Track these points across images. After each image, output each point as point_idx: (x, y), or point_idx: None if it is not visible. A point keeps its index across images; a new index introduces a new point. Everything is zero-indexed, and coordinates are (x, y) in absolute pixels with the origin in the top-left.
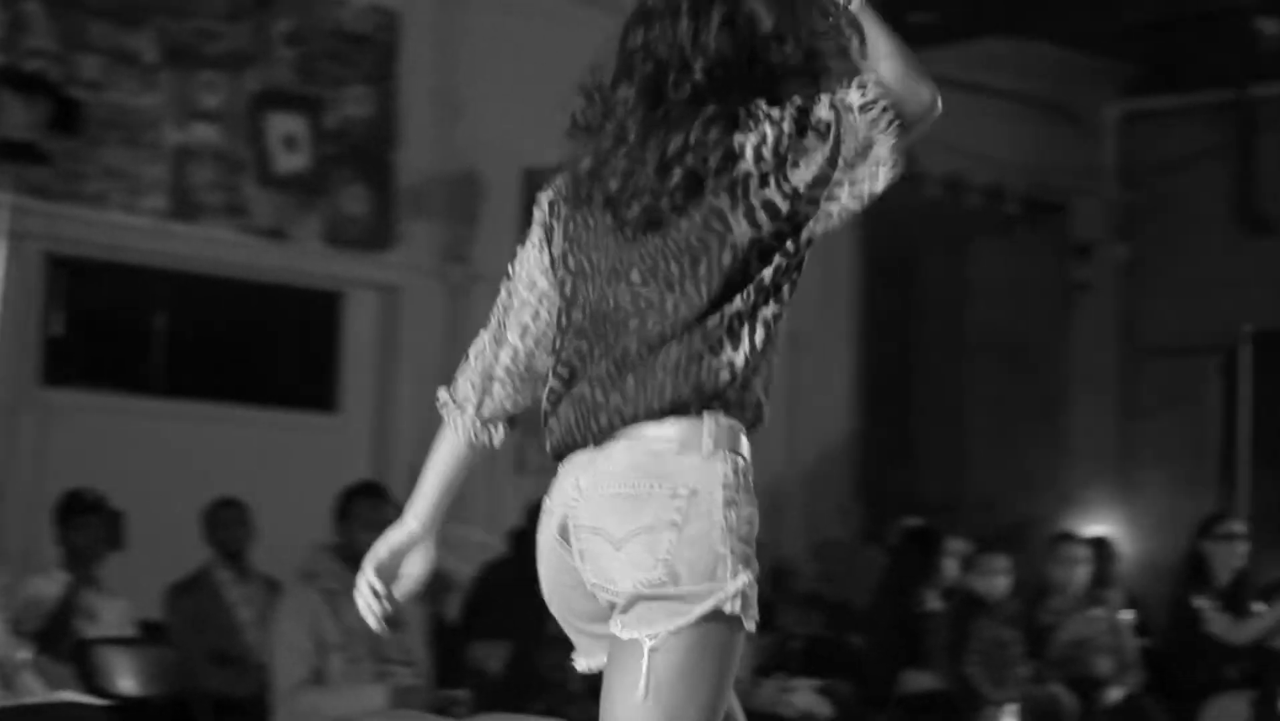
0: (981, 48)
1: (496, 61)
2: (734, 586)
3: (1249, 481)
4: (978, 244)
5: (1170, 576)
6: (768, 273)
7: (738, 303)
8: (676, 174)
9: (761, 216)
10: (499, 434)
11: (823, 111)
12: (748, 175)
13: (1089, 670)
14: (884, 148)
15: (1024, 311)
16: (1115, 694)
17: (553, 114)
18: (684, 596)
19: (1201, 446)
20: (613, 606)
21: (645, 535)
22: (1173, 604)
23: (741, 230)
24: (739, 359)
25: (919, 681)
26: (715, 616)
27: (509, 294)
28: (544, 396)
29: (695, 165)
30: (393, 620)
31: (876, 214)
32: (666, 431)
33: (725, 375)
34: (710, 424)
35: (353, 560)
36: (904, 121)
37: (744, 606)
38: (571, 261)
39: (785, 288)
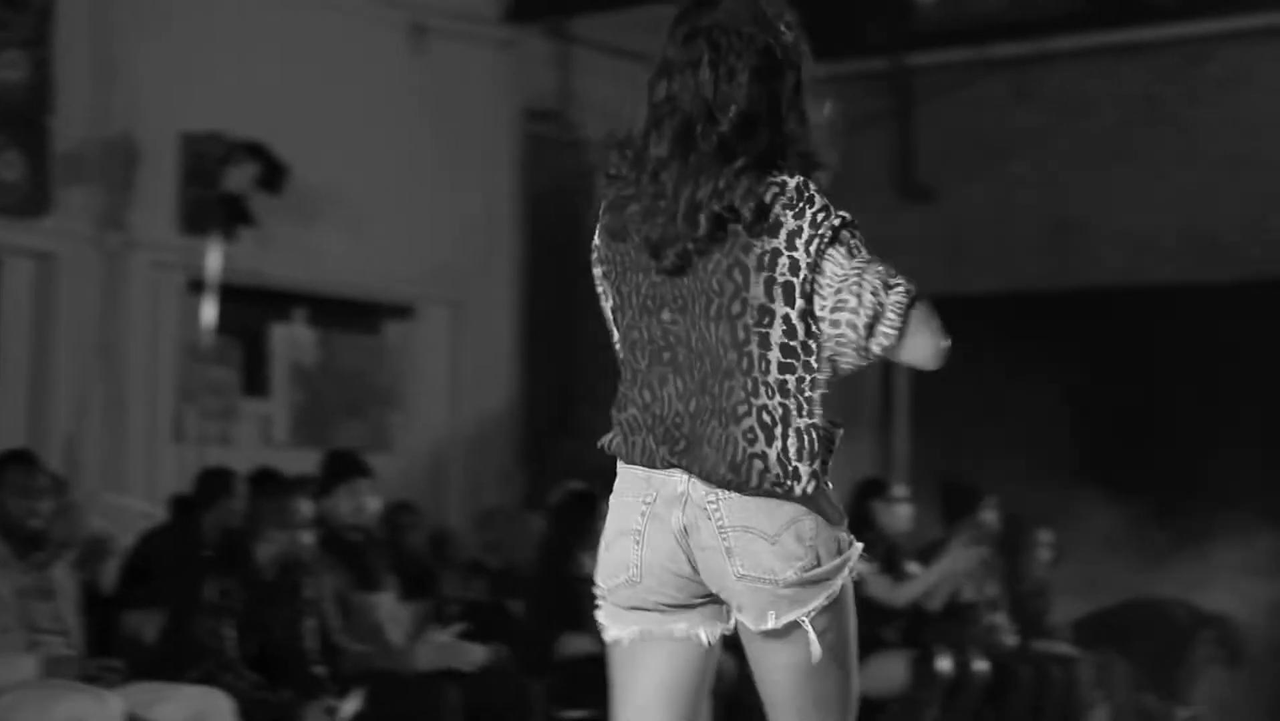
0: (646, 12)
1: (153, 26)
2: (855, 552)
3: (906, 444)
4: None
5: None
6: (776, 332)
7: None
8: (703, 221)
9: (777, 292)
10: None
11: (847, 235)
12: (777, 253)
13: None
14: (888, 326)
15: None
16: None
17: (209, 78)
18: (828, 575)
19: (860, 409)
20: (709, 596)
21: (793, 527)
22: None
23: (756, 293)
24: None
25: (578, 645)
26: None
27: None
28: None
29: (722, 212)
30: (46, 590)
31: (538, 178)
32: None
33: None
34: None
35: (3, 528)
36: (911, 328)
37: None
38: (616, 298)
39: (794, 346)
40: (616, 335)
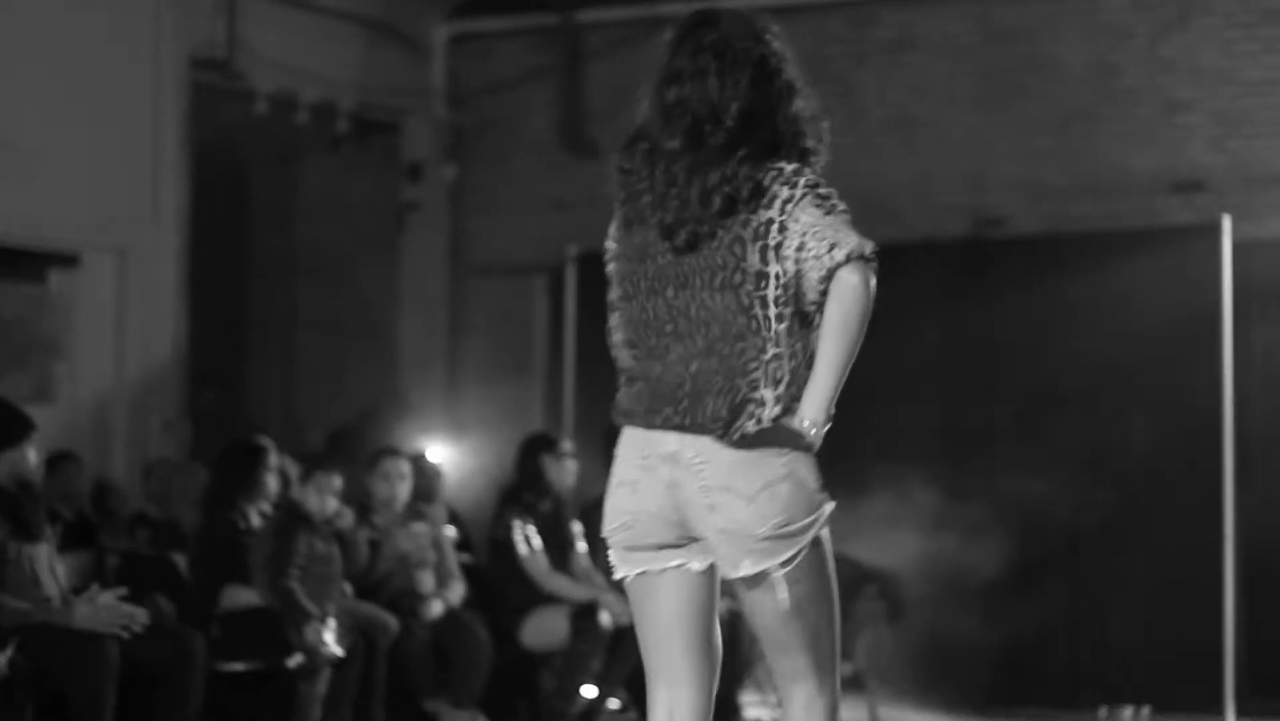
0: None
1: None
2: (826, 512)
3: (574, 400)
4: (308, 162)
5: (495, 492)
6: (771, 291)
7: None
8: (716, 201)
9: (771, 255)
10: None
11: (835, 200)
12: (770, 221)
13: (411, 585)
14: (841, 254)
15: (354, 230)
16: (437, 608)
17: None
18: (799, 531)
19: (528, 365)
20: (694, 542)
21: (768, 489)
22: (496, 520)
23: (753, 261)
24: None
25: (240, 597)
26: (815, 540)
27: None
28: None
29: (731, 193)
30: None
31: (204, 128)
32: None
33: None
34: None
35: None
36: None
37: (824, 527)
38: (623, 281)
39: (784, 301)
40: (616, 319)
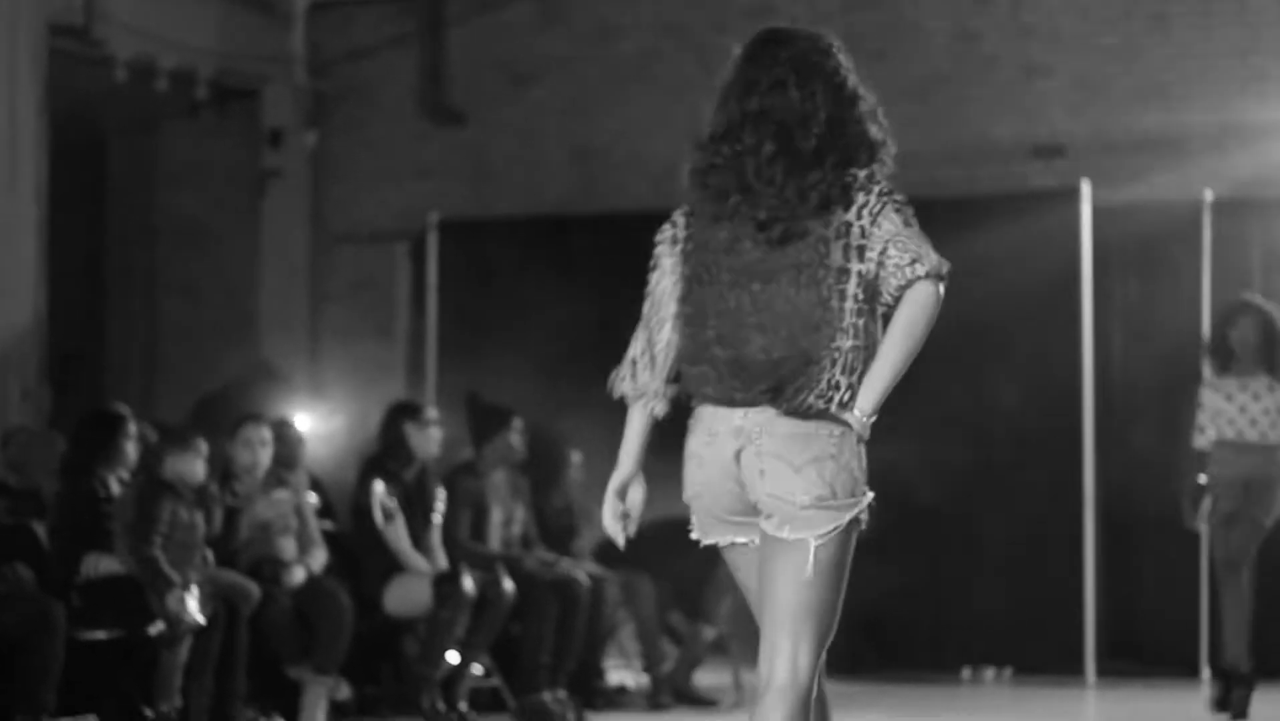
0: None
1: None
2: (866, 500)
3: (436, 367)
4: (167, 129)
5: (357, 459)
6: (851, 286)
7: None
8: (813, 199)
9: (852, 254)
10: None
11: (908, 211)
12: (849, 223)
13: (273, 552)
14: (922, 269)
15: (215, 197)
16: (299, 575)
17: None
18: (839, 507)
19: (391, 331)
20: (757, 509)
21: (815, 463)
22: (359, 486)
23: (835, 258)
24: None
25: (101, 565)
26: (851, 522)
27: (651, 302)
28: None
29: (825, 192)
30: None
31: (63, 95)
32: None
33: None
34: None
35: None
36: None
37: (866, 515)
38: (699, 270)
39: (863, 298)
40: (673, 305)
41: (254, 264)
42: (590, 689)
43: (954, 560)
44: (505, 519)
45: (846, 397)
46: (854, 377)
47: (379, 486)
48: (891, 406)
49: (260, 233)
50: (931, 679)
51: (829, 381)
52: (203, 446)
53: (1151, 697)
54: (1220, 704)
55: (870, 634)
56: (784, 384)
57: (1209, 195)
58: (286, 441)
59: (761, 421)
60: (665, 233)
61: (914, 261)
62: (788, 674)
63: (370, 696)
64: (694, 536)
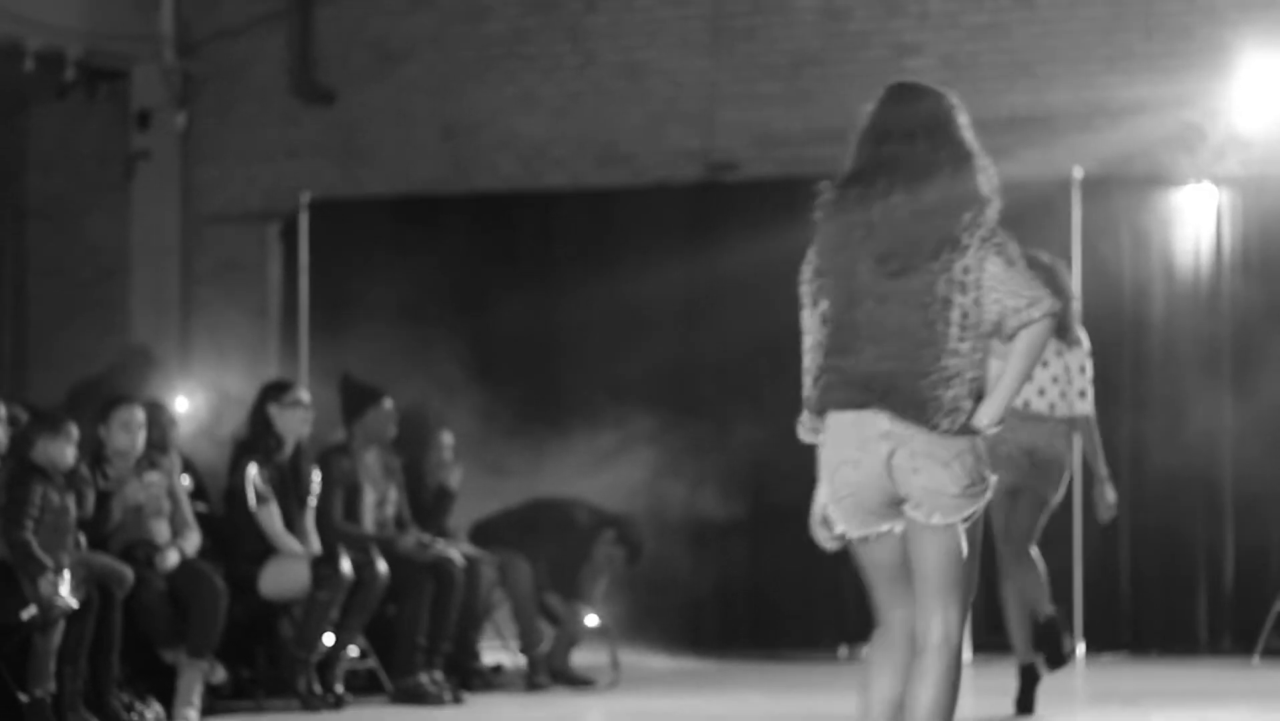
0: None
1: None
2: (990, 485)
3: (308, 347)
4: (35, 111)
5: (229, 441)
6: (955, 315)
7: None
8: (930, 242)
9: (955, 288)
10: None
11: (1011, 251)
12: (954, 261)
13: (146, 535)
14: (1038, 311)
15: (84, 179)
16: (173, 558)
17: None
18: (977, 494)
19: (263, 312)
20: (903, 502)
21: (958, 459)
22: (232, 469)
23: (941, 290)
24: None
25: None
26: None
27: (806, 323)
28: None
29: (942, 237)
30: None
31: None
32: None
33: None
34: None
35: None
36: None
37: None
38: (823, 294)
39: (965, 326)
40: (816, 327)
41: (124, 245)
42: (467, 669)
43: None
44: (379, 500)
45: (968, 406)
46: (964, 390)
47: (253, 469)
48: (767, 383)
49: (130, 214)
50: (808, 657)
51: (963, 407)
52: (73, 430)
53: None
54: (1020, 704)
55: (746, 614)
56: (893, 392)
57: (1078, 173)
58: (159, 424)
59: (907, 427)
60: (805, 272)
61: (1030, 305)
62: (942, 634)
63: (246, 679)
64: (837, 531)
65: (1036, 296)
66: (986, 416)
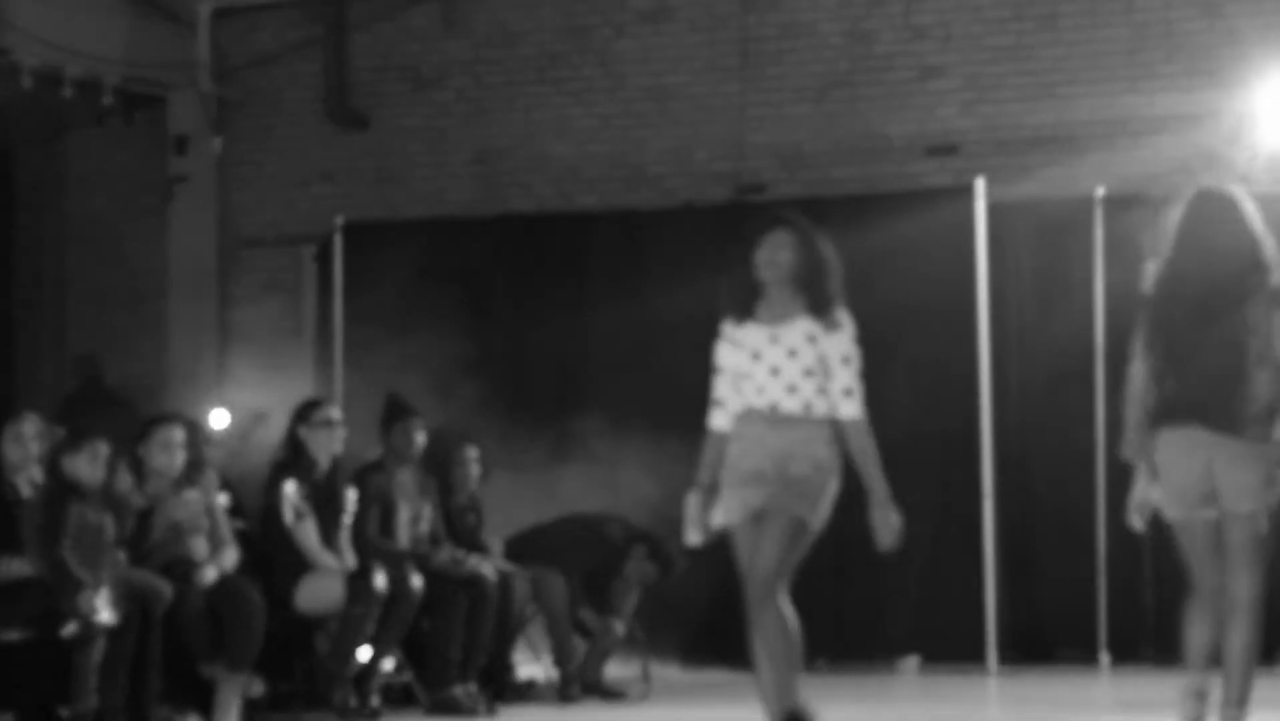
0: None
1: None
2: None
3: (343, 368)
4: (74, 137)
5: (267, 460)
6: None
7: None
8: (1232, 300)
9: (1259, 318)
10: None
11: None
12: (1252, 310)
13: (185, 552)
14: None
15: (122, 204)
16: (210, 574)
17: None
18: (1270, 486)
19: (299, 334)
20: (1218, 494)
21: (1257, 461)
22: (269, 487)
23: (1251, 320)
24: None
25: (13, 568)
26: None
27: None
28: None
29: (1242, 297)
30: None
31: None
32: None
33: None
34: None
35: None
36: None
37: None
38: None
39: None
40: (1151, 357)
41: (162, 269)
42: (500, 683)
43: (863, 555)
44: (413, 516)
45: (1258, 418)
46: (1260, 404)
47: (289, 486)
48: None
49: (167, 238)
50: (838, 669)
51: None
52: (101, 449)
53: (1052, 684)
54: None
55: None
56: (1214, 408)
57: (1100, 191)
58: (197, 442)
59: (1224, 437)
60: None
61: None
62: (1248, 593)
63: (283, 692)
64: (1170, 515)
65: None
66: None
